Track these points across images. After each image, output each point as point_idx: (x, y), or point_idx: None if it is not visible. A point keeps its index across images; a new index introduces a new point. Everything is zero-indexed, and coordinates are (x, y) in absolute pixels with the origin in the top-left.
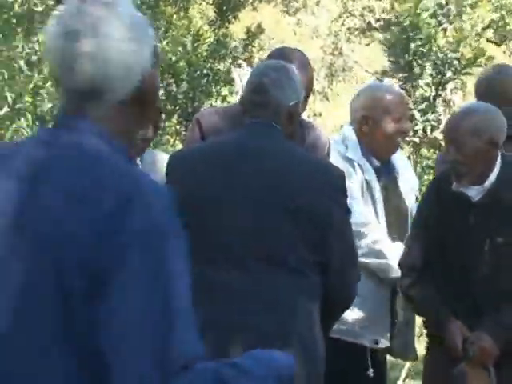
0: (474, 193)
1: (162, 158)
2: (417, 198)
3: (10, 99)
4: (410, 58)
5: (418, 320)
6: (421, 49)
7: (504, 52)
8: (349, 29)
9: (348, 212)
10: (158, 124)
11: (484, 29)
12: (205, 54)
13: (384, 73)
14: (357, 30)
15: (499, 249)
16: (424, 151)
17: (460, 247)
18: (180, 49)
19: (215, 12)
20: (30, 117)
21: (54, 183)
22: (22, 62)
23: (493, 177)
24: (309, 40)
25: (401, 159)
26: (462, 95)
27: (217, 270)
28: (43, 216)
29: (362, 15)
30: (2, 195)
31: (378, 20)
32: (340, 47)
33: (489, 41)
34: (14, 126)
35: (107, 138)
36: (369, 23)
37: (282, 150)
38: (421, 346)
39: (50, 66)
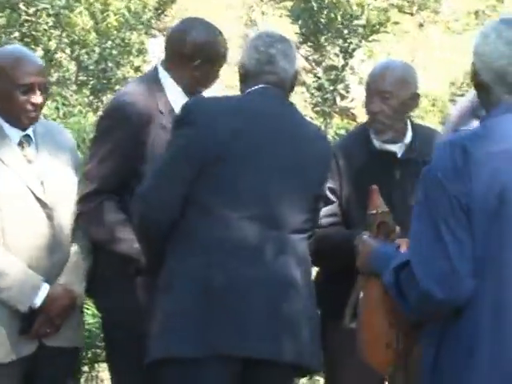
0: (398, 149)
1: (59, 129)
2: None
3: None
4: (315, 28)
5: None
6: (324, 18)
7: (421, 24)
8: (262, 0)
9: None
10: None
11: None
12: (115, 23)
13: None
14: (270, 0)
15: None
16: (336, 120)
17: (386, 204)
18: (89, 19)
19: None
20: None
21: None
22: None
23: (409, 132)
24: (222, 11)
25: None
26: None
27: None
28: None
29: None
30: None
31: None
32: (254, 19)
33: (400, 11)
34: None
35: None
36: None
37: (295, 115)
38: None
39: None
